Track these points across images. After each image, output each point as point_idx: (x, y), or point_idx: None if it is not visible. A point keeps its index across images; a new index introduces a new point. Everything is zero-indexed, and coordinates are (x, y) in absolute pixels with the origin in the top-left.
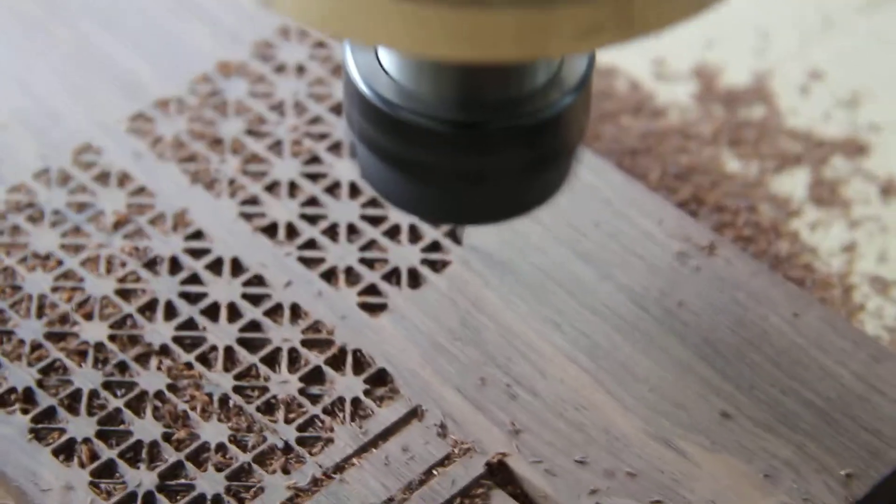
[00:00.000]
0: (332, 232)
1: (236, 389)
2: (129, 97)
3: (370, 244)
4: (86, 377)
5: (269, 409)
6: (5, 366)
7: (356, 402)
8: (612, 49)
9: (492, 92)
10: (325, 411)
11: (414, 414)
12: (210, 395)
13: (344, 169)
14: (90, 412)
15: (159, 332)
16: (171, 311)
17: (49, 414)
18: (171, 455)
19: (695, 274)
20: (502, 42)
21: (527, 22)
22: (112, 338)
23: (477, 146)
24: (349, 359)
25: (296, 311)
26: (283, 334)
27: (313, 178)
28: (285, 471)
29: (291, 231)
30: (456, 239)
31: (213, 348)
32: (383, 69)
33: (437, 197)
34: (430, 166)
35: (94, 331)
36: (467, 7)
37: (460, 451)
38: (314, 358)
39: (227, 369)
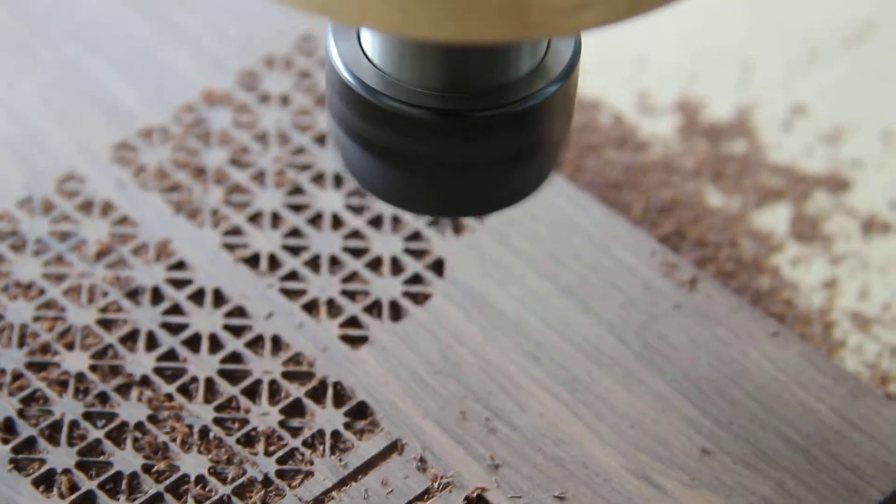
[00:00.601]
0: (314, 263)
1: (216, 421)
2: (113, 124)
3: (352, 276)
4: (66, 407)
5: (249, 441)
6: None
7: (336, 434)
8: (602, 30)
9: (476, 79)
10: (304, 444)
11: (394, 447)
12: (190, 427)
13: (327, 200)
14: (70, 442)
15: (140, 362)
16: (152, 342)
17: (29, 444)
18: (150, 487)
19: (675, 309)
20: (486, 21)
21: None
22: (93, 368)
23: (461, 134)
24: (330, 391)
25: (277, 343)
26: (264, 366)
27: (296, 208)
28: None
29: (273, 262)
30: (440, 231)
31: (194, 379)
32: (366, 57)
33: (420, 187)
34: (414, 156)
35: (75, 361)
36: None
37: (440, 486)
38: (294, 390)
39: (207, 401)
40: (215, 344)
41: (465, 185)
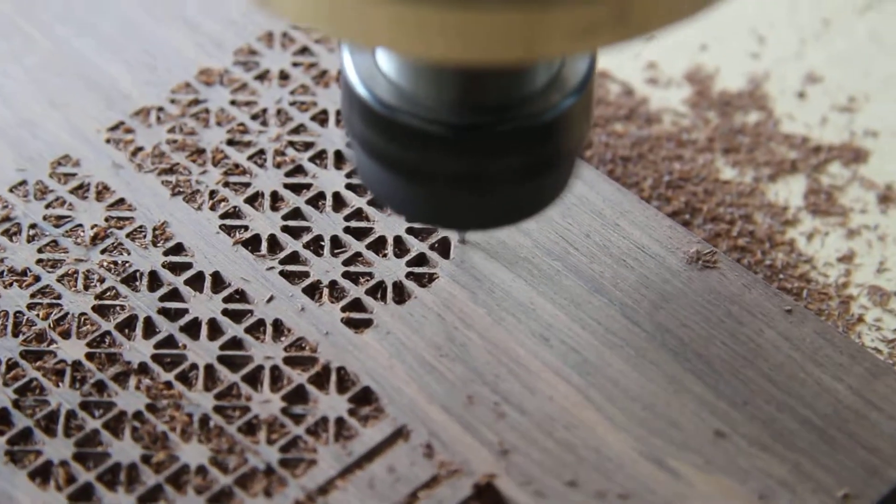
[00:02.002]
0: (315, 245)
1: (217, 409)
2: (108, 106)
3: (355, 258)
4: (63, 397)
5: (250, 429)
6: None
7: (340, 421)
8: (609, 49)
9: (491, 94)
10: (308, 432)
11: (399, 434)
12: (190, 416)
13: (328, 179)
14: (67, 433)
15: (138, 350)
16: (150, 329)
17: (25, 435)
18: (150, 478)
19: (688, 287)
20: (498, 43)
21: (523, 22)
22: (90, 356)
23: (476, 149)
24: (333, 377)
25: (278, 328)
26: (265, 352)
27: (296, 189)
28: (267, 494)
29: (274, 244)
30: (461, 241)
31: (194, 367)
32: (381, 72)
33: (436, 201)
34: (430, 170)
35: (72, 349)
36: (462, 7)
37: (447, 473)
38: (297, 376)
39: (207, 388)
40: (215, 330)
41: (481, 199)
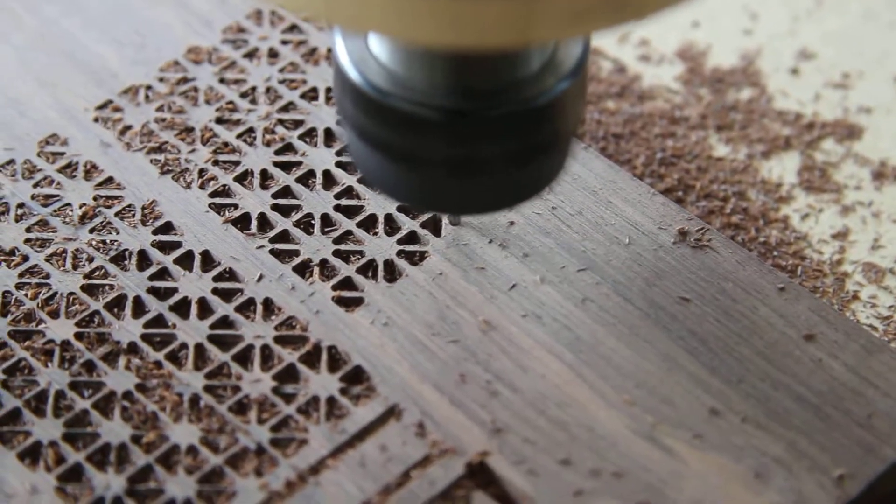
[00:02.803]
0: (305, 223)
1: (207, 389)
2: (96, 84)
3: (345, 236)
4: (52, 377)
5: (241, 409)
6: None
7: (331, 401)
8: (604, 34)
9: (485, 79)
10: (299, 411)
11: (391, 413)
12: (180, 395)
13: (318, 157)
14: (56, 414)
15: (128, 329)
16: (139, 308)
17: (14, 416)
18: (140, 458)
19: (681, 264)
20: (490, 28)
21: (515, 6)
22: (79, 336)
23: (470, 133)
24: (324, 356)
25: (268, 307)
26: (256, 331)
27: (286, 167)
28: (258, 473)
29: (264, 223)
30: (457, 222)
31: (184, 346)
32: (374, 57)
33: (429, 186)
34: (423, 155)
35: (61, 329)
36: None
37: (439, 452)
38: (287, 355)
39: (197, 368)
40: (205, 309)
41: (475, 184)
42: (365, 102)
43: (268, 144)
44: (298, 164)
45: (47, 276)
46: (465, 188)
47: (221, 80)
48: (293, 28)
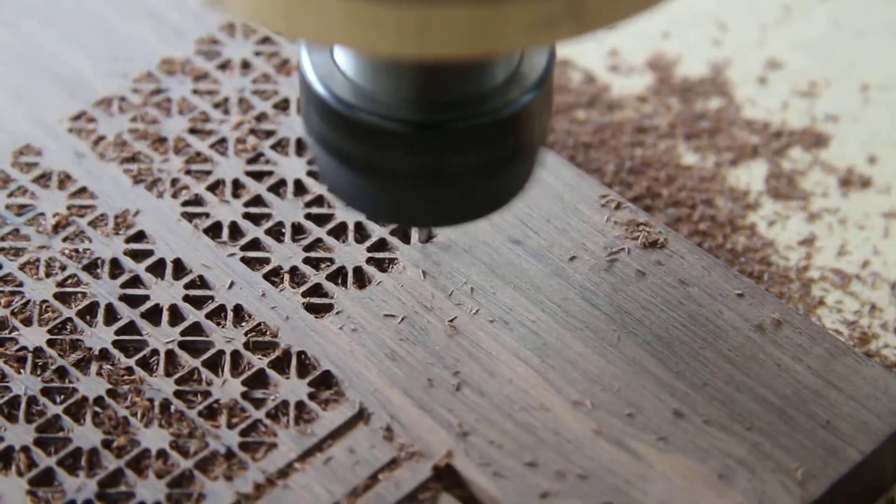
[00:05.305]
0: (276, 231)
1: (178, 394)
2: (70, 96)
3: (315, 244)
4: (24, 383)
5: (211, 413)
6: None
7: (300, 405)
8: (569, 43)
9: (451, 90)
10: (268, 415)
11: (360, 417)
12: (151, 401)
13: (289, 167)
14: (28, 419)
15: (99, 336)
16: (111, 315)
17: None
18: (110, 462)
19: (648, 270)
20: (454, 38)
21: (478, 17)
22: (51, 343)
23: (437, 146)
24: (294, 361)
25: (239, 313)
26: (226, 337)
27: (258, 176)
28: (227, 477)
29: (235, 231)
30: (428, 239)
31: (155, 352)
32: (340, 70)
33: (398, 200)
34: (391, 168)
35: (33, 336)
36: (417, 3)
37: (407, 455)
38: (258, 361)
39: (168, 374)
40: (176, 315)
41: (443, 196)
42: (330, 116)
43: (240, 154)
44: (270, 173)
45: (20, 285)
46: (432, 201)
47: (194, 91)
48: (266, 40)
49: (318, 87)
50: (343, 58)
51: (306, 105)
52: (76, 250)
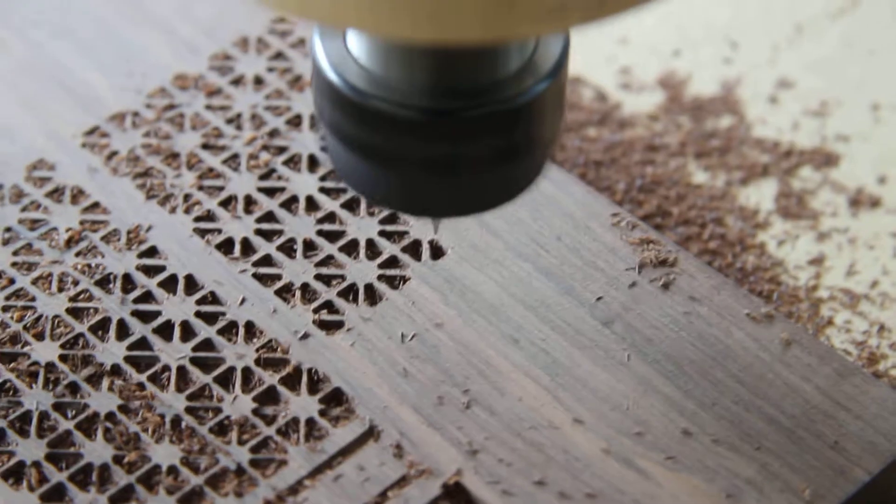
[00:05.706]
0: (288, 248)
1: (189, 410)
2: (84, 110)
3: (327, 260)
4: (36, 398)
5: (221, 430)
6: None
7: (311, 422)
8: (581, 29)
9: (463, 78)
10: (278, 432)
11: (370, 434)
12: (162, 417)
13: (301, 183)
14: (40, 434)
15: (111, 351)
16: (123, 331)
17: None
18: (121, 478)
19: (657, 289)
20: (466, 22)
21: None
22: (63, 358)
23: (449, 134)
24: (304, 378)
25: (250, 330)
26: (237, 353)
27: (270, 192)
28: (238, 494)
29: (247, 247)
30: (434, 229)
31: (166, 368)
32: (352, 57)
33: (408, 187)
34: (402, 156)
35: (46, 351)
36: None
37: (416, 472)
38: (268, 377)
39: (179, 390)
40: (187, 331)
41: (455, 185)
42: (342, 103)
43: (252, 170)
44: (282, 189)
45: (33, 299)
46: (442, 190)
47: (207, 107)
48: (279, 56)
49: (331, 75)
50: (355, 45)
51: (319, 94)
52: (89, 265)
